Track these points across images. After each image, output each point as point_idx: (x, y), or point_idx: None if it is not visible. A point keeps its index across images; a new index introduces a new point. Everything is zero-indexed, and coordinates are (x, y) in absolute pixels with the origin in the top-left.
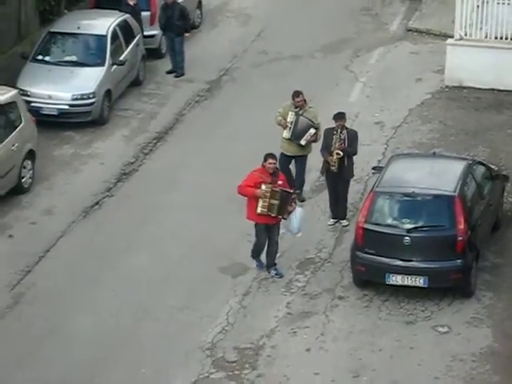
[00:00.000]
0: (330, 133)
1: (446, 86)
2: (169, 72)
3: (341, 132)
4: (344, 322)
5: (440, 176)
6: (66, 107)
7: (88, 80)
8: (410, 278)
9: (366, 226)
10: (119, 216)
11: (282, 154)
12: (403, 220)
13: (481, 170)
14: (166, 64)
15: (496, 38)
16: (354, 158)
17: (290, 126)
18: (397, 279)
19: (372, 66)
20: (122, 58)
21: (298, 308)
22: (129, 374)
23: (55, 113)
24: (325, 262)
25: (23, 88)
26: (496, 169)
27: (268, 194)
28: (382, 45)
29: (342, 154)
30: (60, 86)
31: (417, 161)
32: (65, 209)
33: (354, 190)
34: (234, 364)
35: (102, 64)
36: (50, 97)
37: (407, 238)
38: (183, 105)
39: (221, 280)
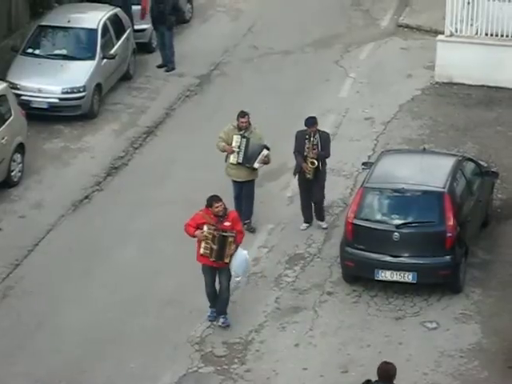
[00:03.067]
0: (302, 135)
1: (436, 82)
2: (159, 66)
3: (313, 137)
4: (333, 317)
5: (430, 172)
6: (56, 101)
7: (78, 74)
8: (398, 273)
9: (356, 221)
10: (109, 210)
11: (233, 182)
12: (392, 216)
13: (470, 166)
14: (157, 58)
15: (486, 34)
16: (343, 154)
17: (238, 150)
18: (386, 275)
19: (362, 62)
20: (112, 52)
21: (287, 303)
22: (118, 368)
23: (45, 106)
24: (314, 258)
25: (13, 81)
26: (485, 165)
27: (210, 236)
28: (373, 40)
29: (316, 163)
30: (50, 80)
31: (406, 157)
32: (54, 202)
33: (344, 186)
34: (223, 359)
35: (92, 58)
36: (39, 90)
37: (396, 233)
38: (173, 99)
39: None
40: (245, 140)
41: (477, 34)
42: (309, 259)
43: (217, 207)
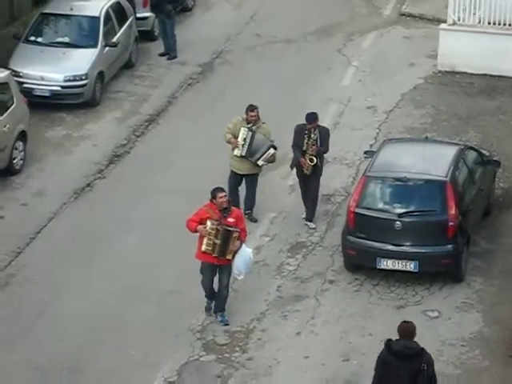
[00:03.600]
0: (301, 130)
1: (439, 71)
2: (161, 54)
3: (313, 132)
4: (334, 305)
5: (432, 161)
6: (58, 88)
7: (80, 61)
8: (400, 262)
9: (358, 210)
10: (111, 198)
11: (233, 172)
12: (394, 205)
13: (472, 155)
14: (159, 46)
15: (489, 23)
16: (345, 143)
17: (243, 143)
18: (388, 264)
19: (365, 51)
20: (114, 40)
21: (289, 292)
22: (119, 355)
23: (47, 94)
24: (316, 246)
25: (15, 69)
26: (487, 154)
27: (213, 232)
28: (375, 29)
29: (315, 160)
30: (52, 68)
31: (409, 146)
32: (56, 190)
33: (346, 174)
34: (225, 347)
35: (94, 46)
36: (42, 78)
37: (398, 222)
38: (176, 87)
39: None
40: (251, 133)
41: (479, 22)
42: (311, 248)
43: (221, 197)
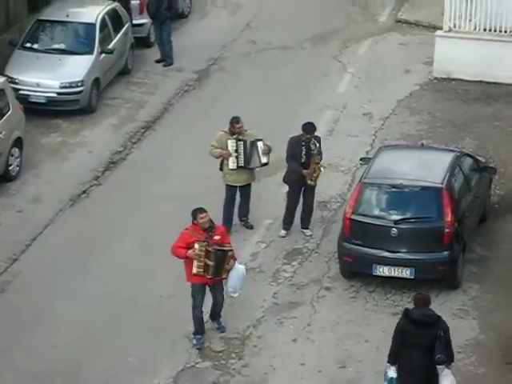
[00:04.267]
0: (296, 142)
1: (435, 78)
2: (158, 61)
3: (312, 143)
4: (331, 312)
5: (428, 168)
6: (54, 95)
7: (76, 68)
8: (396, 269)
9: (354, 216)
10: (107, 205)
11: (229, 186)
12: (390, 211)
13: (468, 161)
14: (155, 53)
15: (485, 30)
16: (341, 149)
17: (236, 154)
18: (384, 270)
19: (361, 57)
20: (110, 47)
21: (285, 298)
22: (115, 362)
23: (43, 101)
24: (312, 253)
25: (11, 75)
26: (483, 161)
27: (202, 254)
28: (371, 36)
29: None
30: (48, 74)
31: (405, 152)
32: (52, 197)
33: (342, 181)
34: (221, 354)
35: (90, 52)
36: (38, 84)
37: (394, 229)
38: (172, 94)
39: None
40: (242, 143)
41: (475, 29)
42: (307, 254)
43: (202, 218)
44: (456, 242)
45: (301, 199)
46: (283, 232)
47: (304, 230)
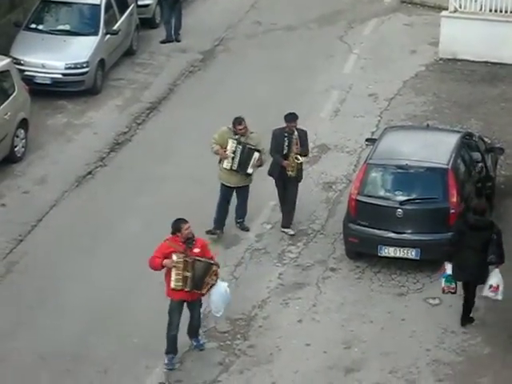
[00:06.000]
0: (280, 134)
1: (440, 59)
2: (162, 42)
3: (293, 134)
4: (336, 293)
5: (433, 148)
6: (59, 76)
7: (81, 49)
8: (402, 250)
9: (359, 197)
10: (112, 185)
11: (223, 186)
12: (396, 192)
13: (474, 142)
14: (160, 34)
15: (490, 10)
16: (346, 130)
17: (232, 155)
18: (389, 251)
19: (366, 38)
20: (115, 28)
21: (290, 279)
22: (120, 343)
23: (48, 82)
24: (317, 234)
25: (16, 56)
26: (489, 142)
27: (180, 266)
28: (377, 16)
29: (301, 159)
30: (53, 55)
31: (410, 133)
32: (57, 178)
33: (347, 162)
34: (226, 334)
35: (95, 33)
36: (43, 66)
37: (400, 210)
38: (177, 75)
39: (213, 250)
40: (240, 146)
41: (481, 9)
42: (312, 235)
43: (186, 229)
44: None
45: None
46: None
47: (285, 230)
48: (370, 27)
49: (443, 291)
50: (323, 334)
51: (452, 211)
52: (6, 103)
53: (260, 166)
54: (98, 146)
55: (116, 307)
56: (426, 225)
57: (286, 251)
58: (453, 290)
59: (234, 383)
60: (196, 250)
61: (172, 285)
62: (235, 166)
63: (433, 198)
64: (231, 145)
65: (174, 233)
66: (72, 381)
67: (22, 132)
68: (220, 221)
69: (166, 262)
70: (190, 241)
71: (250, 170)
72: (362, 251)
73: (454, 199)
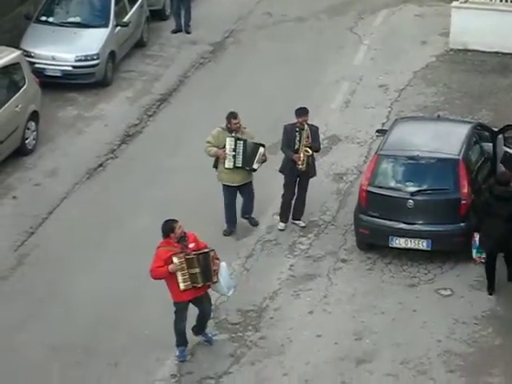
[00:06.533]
0: (291, 129)
1: (451, 49)
2: (174, 31)
3: (304, 129)
4: (347, 284)
5: (444, 139)
6: (70, 68)
7: (92, 41)
8: (413, 240)
9: (370, 188)
10: (123, 178)
11: (226, 186)
12: (407, 183)
13: (485, 133)
14: (170, 26)
15: (501, 0)
16: (357, 121)
17: (233, 153)
18: (400, 242)
19: (376, 29)
20: (125, 20)
21: (301, 270)
22: (132, 335)
23: (59, 74)
24: (328, 225)
25: (27, 49)
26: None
27: (184, 265)
28: (387, 7)
29: (310, 151)
30: (64, 47)
31: (421, 124)
32: (68, 170)
33: (358, 153)
34: (237, 326)
35: (105, 25)
36: (53, 58)
37: (411, 201)
38: (187, 67)
39: (224, 242)
40: (241, 142)
41: (491, 0)
42: (323, 227)
43: (179, 228)
44: (473, 214)
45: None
46: (282, 225)
47: (296, 222)
48: (380, 18)
49: (475, 262)
50: (334, 325)
51: (463, 202)
52: (16, 95)
53: (264, 161)
54: (108, 138)
55: (127, 299)
56: (437, 215)
57: (297, 243)
58: (483, 260)
59: (245, 375)
60: (191, 246)
61: (181, 286)
62: (239, 163)
63: (444, 188)
64: (230, 143)
65: (167, 235)
66: (83, 373)
67: (32, 124)
68: (232, 219)
69: (171, 267)
70: (183, 238)
71: (255, 166)
72: (373, 242)
73: (465, 190)
